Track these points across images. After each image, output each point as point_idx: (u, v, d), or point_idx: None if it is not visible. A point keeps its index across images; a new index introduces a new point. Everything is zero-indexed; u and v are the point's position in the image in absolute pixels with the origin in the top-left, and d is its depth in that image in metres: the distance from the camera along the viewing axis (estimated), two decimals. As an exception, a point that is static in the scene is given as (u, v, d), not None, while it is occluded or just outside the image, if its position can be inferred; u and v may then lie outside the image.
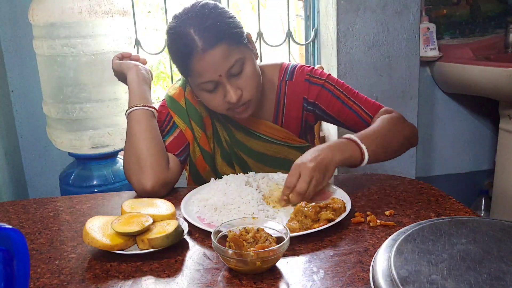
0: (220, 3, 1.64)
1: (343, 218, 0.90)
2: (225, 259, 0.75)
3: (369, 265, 0.66)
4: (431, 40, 2.23)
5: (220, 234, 0.80)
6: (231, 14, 1.11)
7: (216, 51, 1.05)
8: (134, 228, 0.83)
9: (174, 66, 2.23)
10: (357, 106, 1.21)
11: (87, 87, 1.61)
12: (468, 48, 2.23)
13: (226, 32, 1.06)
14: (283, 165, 1.21)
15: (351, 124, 1.22)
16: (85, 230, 0.83)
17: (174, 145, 1.20)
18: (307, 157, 0.99)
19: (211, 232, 0.79)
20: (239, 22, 1.11)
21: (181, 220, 0.92)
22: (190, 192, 1.06)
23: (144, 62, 1.28)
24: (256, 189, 1.02)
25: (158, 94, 3.03)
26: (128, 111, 1.16)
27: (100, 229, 0.84)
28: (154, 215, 0.88)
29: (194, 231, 0.91)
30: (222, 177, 1.08)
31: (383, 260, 0.61)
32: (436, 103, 2.44)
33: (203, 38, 1.04)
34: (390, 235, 0.67)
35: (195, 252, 0.84)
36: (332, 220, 0.88)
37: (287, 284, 0.72)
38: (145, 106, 1.16)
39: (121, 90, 1.65)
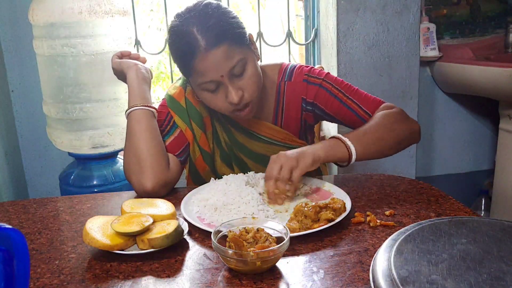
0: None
1: (343, 218, 0.90)
2: (225, 259, 0.75)
3: (369, 265, 0.66)
4: (431, 40, 2.23)
5: (220, 234, 0.80)
6: (234, 14, 1.11)
7: (219, 50, 1.04)
8: (134, 228, 0.83)
9: (174, 67, 2.25)
10: (355, 104, 1.20)
11: (87, 87, 1.61)
12: (468, 48, 2.23)
13: (229, 32, 1.06)
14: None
15: (350, 122, 1.22)
16: (85, 230, 0.83)
17: (174, 145, 1.20)
18: (287, 151, 1.03)
19: (211, 232, 0.79)
20: (242, 22, 1.11)
21: (181, 220, 0.92)
22: (190, 192, 1.06)
23: (144, 61, 1.27)
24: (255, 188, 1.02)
25: (158, 94, 3.03)
26: (128, 111, 1.16)
27: (100, 229, 0.84)
28: (154, 215, 0.89)
29: (194, 231, 0.91)
30: (222, 177, 1.08)
31: (383, 260, 0.61)
32: (436, 103, 2.44)
33: (206, 37, 1.04)
34: (390, 235, 0.67)
35: (195, 252, 0.84)
36: (332, 220, 0.88)
37: (287, 284, 0.72)
38: (145, 106, 1.15)
39: (121, 90, 1.65)
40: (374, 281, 0.58)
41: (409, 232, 0.67)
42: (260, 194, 1.01)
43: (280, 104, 1.25)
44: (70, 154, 1.74)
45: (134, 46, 2.07)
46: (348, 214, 0.92)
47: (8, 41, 1.99)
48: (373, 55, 2.12)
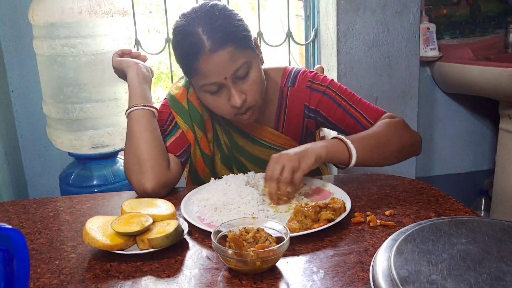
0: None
1: (343, 218, 0.90)
2: (225, 259, 0.75)
3: (369, 265, 0.66)
4: (431, 40, 2.23)
5: (220, 234, 0.80)
6: (240, 17, 1.10)
7: (224, 52, 1.03)
8: (134, 228, 0.83)
9: (174, 67, 2.25)
10: (358, 113, 1.19)
11: (87, 87, 1.61)
12: (468, 48, 2.23)
13: (235, 35, 1.05)
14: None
15: (352, 131, 1.20)
16: (85, 230, 0.83)
17: (175, 146, 1.19)
18: (289, 150, 1.02)
19: (211, 232, 0.79)
20: (247, 25, 1.10)
21: (181, 220, 0.92)
22: (190, 192, 1.06)
23: (144, 59, 1.27)
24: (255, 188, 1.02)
25: (159, 94, 3.03)
26: (128, 111, 1.15)
27: (100, 229, 0.84)
28: (154, 215, 0.88)
29: (194, 231, 0.91)
30: (222, 178, 1.08)
31: (383, 260, 0.61)
32: (436, 103, 2.44)
33: (211, 39, 1.03)
34: (390, 235, 0.67)
35: (195, 252, 0.84)
36: (332, 220, 0.88)
37: (287, 284, 0.72)
38: (146, 105, 1.15)
39: (121, 90, 1.65)
40: (374, 281, 0.58)
41: (409, 232, 0.67)
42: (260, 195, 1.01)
43: (282, 110, 1.24)
44: (70, 154, 1.74)
45: (134, 46, 2.07)
46: (348, 214, 0.91)
47: (8, 41, 1.99)
48: (373, 55, 2.12)
